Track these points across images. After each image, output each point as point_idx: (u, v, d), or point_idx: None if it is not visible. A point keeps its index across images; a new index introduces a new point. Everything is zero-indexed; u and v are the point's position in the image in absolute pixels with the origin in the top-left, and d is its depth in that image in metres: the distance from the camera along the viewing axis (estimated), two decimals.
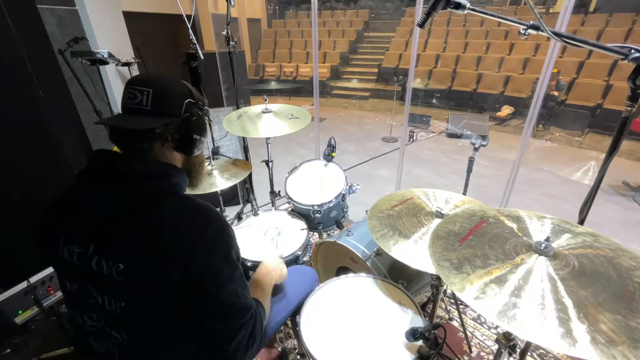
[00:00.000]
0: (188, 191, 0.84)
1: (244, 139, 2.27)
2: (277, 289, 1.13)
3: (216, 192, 1.90)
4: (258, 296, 0.91)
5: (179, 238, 0.69)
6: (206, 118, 0.87)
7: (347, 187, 1.89)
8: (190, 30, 1.89)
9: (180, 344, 0.76)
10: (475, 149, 1.72)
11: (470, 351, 1.64)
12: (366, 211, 1.35)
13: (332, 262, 1.71)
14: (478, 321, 1.82)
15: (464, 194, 1.64)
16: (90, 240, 0.70)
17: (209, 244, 0.71)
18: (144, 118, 0.73)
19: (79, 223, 0.73)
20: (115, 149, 0.81)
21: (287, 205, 2.25)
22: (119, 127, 0.75)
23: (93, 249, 0.70)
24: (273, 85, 7.51)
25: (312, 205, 1.75)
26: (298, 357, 1.52)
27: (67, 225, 0.74)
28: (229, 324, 0.76)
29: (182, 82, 0.82)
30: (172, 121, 0.77)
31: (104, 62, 2.92)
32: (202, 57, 1.99)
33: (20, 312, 1.41)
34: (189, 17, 1.87)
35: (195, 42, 1.94)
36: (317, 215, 1.77)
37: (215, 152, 2.24)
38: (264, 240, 1.61)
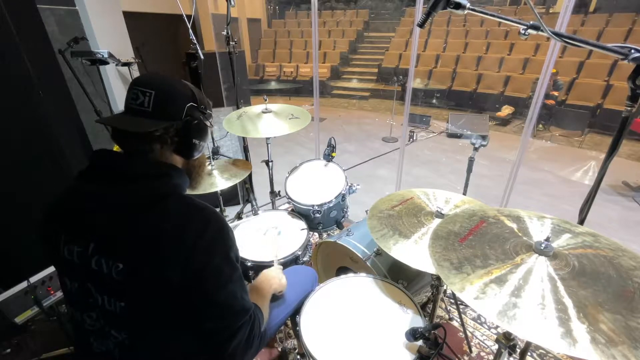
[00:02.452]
0: (188, 192, 0.84)
1: (244, 139, 2.27)
2: (277, 297, 1.13)
3: (216, 192, 1.90)
4: (256, 301, 0.91)
5: (178, 238, 0.69)
6: (207, 122, 0.86)
7: (347, 187, 1.89)
8: (190, 30, 1.89)
9: (179, 344, 0.76)
10: (475, 149, 1.72)
11: (470, 351, 1.64)
12: (366, 211, 1.35)
13: (332, 262, 1.71)
14: (478, 321, 1.82)
15: (464, 194, 1.64)
16: (90, 240, 0.71)
17: (208, 245, 0.71)
18: (145, 120, 0.73)
19: (79, 222, 0.73)
20: (116, 148, 0.81)
21: (287, 205, 2.25)
22: (119, 128, 0.75)
23: (93, 248, 0.70)
24: (273, 85, 7.52)
25: (312, 205, 1.75)
26: (298, 357, 1.52)
27: (67, 224, 0.74)
28: (227, 325, 0.76)
29: (187, 85, 0.82)
30: (173, 125, 0.77)
31: (104, 62, 2.92)
32: (202, 57, 1.99)
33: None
34: (189, 17, 1.87)
35: (195, 42, 1.94)
36: (317, 215, 1.77)
37: (215, 152, 2.24)
38: (264, 240, 1.61)
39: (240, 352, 0.78)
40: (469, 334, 1.72)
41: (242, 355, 0.80)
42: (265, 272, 1.11)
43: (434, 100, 7.08)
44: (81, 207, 0.73)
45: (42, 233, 0.78)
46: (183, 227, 0.70)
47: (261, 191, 2.86)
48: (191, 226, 0.70)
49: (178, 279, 0.68)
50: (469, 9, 0.84)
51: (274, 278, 1.09)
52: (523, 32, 0.83)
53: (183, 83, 0.81)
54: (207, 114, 0.86)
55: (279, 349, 1.61)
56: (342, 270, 1.66)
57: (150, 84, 0.74)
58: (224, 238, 0.75)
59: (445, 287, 1.63)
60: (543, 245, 0.80)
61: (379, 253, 1.46)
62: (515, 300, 0.69)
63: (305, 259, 1.61)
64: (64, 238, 0.73)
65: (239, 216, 2.46)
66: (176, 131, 0.78)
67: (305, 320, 1.08)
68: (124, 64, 3.40)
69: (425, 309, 1.74)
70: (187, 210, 0.73)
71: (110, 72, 3.54)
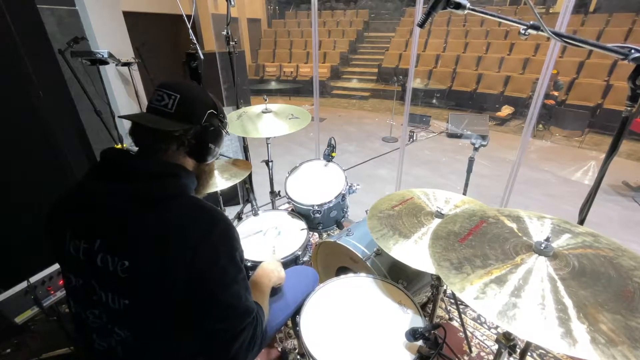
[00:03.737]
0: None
1: (244, 139, 2.27)
2: (275, 290, 1.13)
3: (216, 192, 1.90)
4: (257, 298, 0.91)
5: (184, 238, 0.69)
6: (224, 131, 0.91)
7: (347, 187, 1.89)
8: (190, 30, 1.89)
9: (182, 344, 0.76)
10: (475, 149, 1.72)
11: (470, 351, 1.64)
12: (366, 211, 1.35)
13: (332, 262, 1.71)
14: (478, 321, 1.82)
15: (464, 194, 1.64)
16: (96, 236, 0.71)
17: (214, 245, 0.71)
18: (166, 120, 0.77)
19: (86, 219, 0.73)
20: (118, 146, 0.81)
21: (287, 205, 2.25)
22: (143, 124, 0.76)
23: (99, 244, 0.70)
24: (273, 85, 7.51)
25: (312, 205, 1.75)
26: (298, 357, 1.52)
27: (74, 221, 0.75)
28: (231, 326, 0.76)
29: (208, 94, 0.86)
30: (192, 127, 0.80)
31: (104, 62, 2.92)
32: (202, 57, 1.99)
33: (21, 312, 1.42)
34: (189, 17, 1.87)
35: (195, 42, 1.93)
36: (317, 215, 1.77)
37: None
38: (264, 240, 1.61)
39: (243, 354, 0.79)
40: (469, 334, 1.72)
41: (245, 357, 0.80)
42: (264, 266, 1.10)
43: (434, 100, 7.08)
44: (88, 204, 0.73)
45: (46, 229, 0.78)
46: (189, 227, 0.70)
47: (261, 191, 2.86)
48: (197, 226, 0.71)
49: (183, 279, 0.68)
50: (469, 9, 0.84)
51: (273, 271, 1.09)
52: (523, 32, 0.83)
53: (205, 92, 0.86)
54: (224, 123, 0.90)
55: (279, 349, 1.61)
56: (342, 270, 1.66)
57: (176, 88, 0.78)
58: (230, 239, 0.75)
59: (445, 287, 1.63)
60: (543, 245, 0.80)
61: (379, 253, 1.46)
62: (515, 300, 0.69)
63: (305, 259, 1.61)
64: (70, 234, 0.74)
65: (239, 216, 2.46)
66: (194, 134, 0.81)
67: (305, 320, 1.08)
68: (124, 64, 3.40)
69: (425, 309, 1.75)
70: (193, 210, 0.74)
71: (110, 72, 3.53)
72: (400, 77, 5.68)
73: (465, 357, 1.62)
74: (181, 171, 0.78)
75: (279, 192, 2.07)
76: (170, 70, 5.76)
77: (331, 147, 2.04)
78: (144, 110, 0.82)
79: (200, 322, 0.73)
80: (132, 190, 0.70)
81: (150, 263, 0.68)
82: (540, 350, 1.61)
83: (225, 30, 1.89)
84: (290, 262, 1.49)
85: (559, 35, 0.79)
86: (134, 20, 4.27)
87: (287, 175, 1.99)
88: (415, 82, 5.98)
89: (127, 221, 0.70)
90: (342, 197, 1.85)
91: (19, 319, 1.40)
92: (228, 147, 2.82)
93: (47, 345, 1.56)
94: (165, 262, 0.68)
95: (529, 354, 1.59)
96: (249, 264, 1.44)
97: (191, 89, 0.82)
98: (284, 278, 1.14)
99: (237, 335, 0.76)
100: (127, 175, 0.72)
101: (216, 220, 0.74)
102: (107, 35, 3.48)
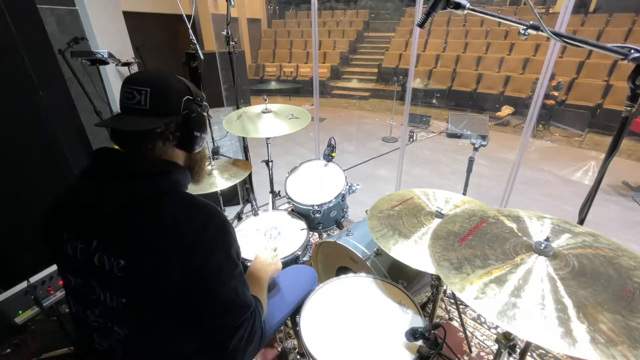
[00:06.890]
0: (191, 188, 0.85)
1: (244, 139, 2.27)
2: (272, 285, 1.13)
3: (216, 192, 1.90)
4: (254, 291, 0.91)
5: (179, 235, 0.69)
6: (205, 114, 0.86)
7: (347, 187, 1.89)
8: (190, 30, 1.90)
9: (181, 340, 0.76)
10: (475, 149, 1.72)
11: (470, 351, 1.64)
12: (366, 211, 1.35)
13: (332, 262, 1.71)
14: (478, 321, 1.82)
15: (464, 194, 1.64)
16: (92, 236, 0.71)
17: (210, 242, 0.71)
18: (144, 118, 0.73)
19: (82, 220, 0.73)
20: (117, 147, 0.81)
21: (287, 205, 2.25)
22: (120, 129, 0.75)
23: (96, 244, 0.70)
24: (273, 85, 7.52)
25: (312, 205, 1.75)
26: (298, 357, 1.52)
27: (70, 222, 0.75)
28: (228, 322, 0.76)
29: (180, 79, 0.81)
30: (172, 120, 0.77)
31: (104, 62, 2.92)
32: (202, 57, 1.99)
33: (21, 312, 1.41)
34: (189, 17, 1.87)
35: (195, 42, 1.94)
36: (317, 215, 1.77)
37: (215, 152, 2.24)
38: (264, 240, 1.61)
39: (242, 349, 0.79)
40: (469, 334, 1.72)
41: (244, 352, 0.80)
42: (260, 258, 1.09)
43: (434, 100, 7.09)
44: (83, 205, 0.73)
45: (44, 231, 0.78)
46: (184, 224, 0.70)
47: (261, 191, 2.86)
48: (192, 223, 0.71)
49: (178, 276, 0.68)
50: (468, 9, 0.84)
51: (270, 265, 1.09)
52: (523, 32, 0.82)
53: (176, 77, 0.81)
54: (203, 106, 0.85)
55: (279, 349, 1.61)
56: (342, 270, 1.66)
57: (143, 82, 0.73)
58: (225, 235, 0.75)
59: (445, 287, 1.63)
60: (543, 245, 0.80)
61: (379, 253, 1.46)
62: (515, 300, 0.69)
63: (305, 259, 1.61)
64: (67, 235, 0.74)
65: (239, 216, 2.46)
66: (177, 126, 0.78)
67: (305, 320, 1.08)
68: (124, 64, 3.40)
69: (425, 309, 1.74)
70: (187, 207, 0.73)
71: (110, 72, 3.53)
72: (400, 77, 5.69)
73: (465, 357, 1.62)
74: (172, 167, 0.77)
75: (279, 192, 2.07)
76: (170, 71, 5.75)
77: (331, 147, 2.04)
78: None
79: (198, 318, 0.73)
80: (125, 190, 0.70)
81: (146, 261, 0.68)
82: (540, 350, 1.61)
83: (225, 30, 1.89)
84: (290, 262, 1.49)
85: (558, 35, 0.79)
86: (134, 20, 4.28)
87: (287, 175, 1.99)
88: (415, 82, 5.99)
89: (122, 220, 0.70)
90: (342, 197, 1.85)
91: (19, 319, 1.40)
92: (228, 147, 2.82)
93: (47, 345, 1.56)
94: (160, 260, 0.68)
95: (529, 354, 1.59)
96: (248, 264, 1.44)
97: (160, 78, 0.76)
98: (281, 268, 1.14)
99: (236, 330, 0.76)
100: (120, 175, 0.71)
101: (210, 216, 0.73)
102: (107, 35, 3.49)
